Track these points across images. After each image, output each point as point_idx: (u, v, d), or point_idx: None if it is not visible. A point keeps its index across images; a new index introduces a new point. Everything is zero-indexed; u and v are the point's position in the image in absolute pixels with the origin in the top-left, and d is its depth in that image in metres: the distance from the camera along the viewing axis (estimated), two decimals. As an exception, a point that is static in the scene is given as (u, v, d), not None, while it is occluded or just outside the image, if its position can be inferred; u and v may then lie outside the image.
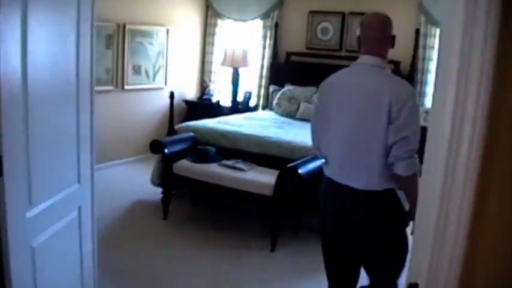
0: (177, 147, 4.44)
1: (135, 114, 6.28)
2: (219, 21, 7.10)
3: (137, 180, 5.41)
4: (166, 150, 4.35)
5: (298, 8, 6.61)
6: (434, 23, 5.62)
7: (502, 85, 1.08)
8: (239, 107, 6.57)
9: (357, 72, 2.28)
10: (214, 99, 6.93)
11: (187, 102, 6.97)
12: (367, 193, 2.19)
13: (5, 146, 1.64)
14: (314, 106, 2.48)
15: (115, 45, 5.76)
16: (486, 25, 1.00)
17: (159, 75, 6.52)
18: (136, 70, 6.15)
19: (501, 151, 1.12)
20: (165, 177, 4.50)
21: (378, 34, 2.24)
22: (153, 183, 4.80)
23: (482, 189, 1.12)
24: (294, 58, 6.63)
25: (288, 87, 6.29)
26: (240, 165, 4.22)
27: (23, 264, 1.83)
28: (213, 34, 7.15)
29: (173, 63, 6.71)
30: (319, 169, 3.87)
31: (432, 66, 5.71)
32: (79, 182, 2.28)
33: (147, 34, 6.20)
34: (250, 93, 6.77)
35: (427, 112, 4.89)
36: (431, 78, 5.72)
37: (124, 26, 5.81)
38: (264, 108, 6.72)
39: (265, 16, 6.71)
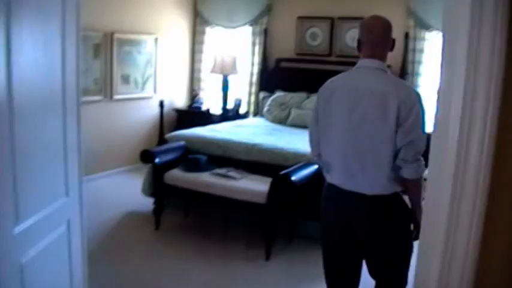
0: (167, 157, 4.39)
1: (125, 124, 6.21)
2: (208, 28, 7.07)
3: (128, 191, 5.34)
4: (157, 160, 4.30)
5: (286, 13, 6.60)
6: (423, 26, 5.66)
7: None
8: (229, 115, 6.53)
9: (361, 75, 2.24)
10: (204, 107, 6.89)
11: (177, 110, 6.92)
12: (375, 198, 2.16)
13: (-11, 160, 1.59)
14: (313, 112, 2.42)
15: (103, 55, 5.71)
16: (494, 26, 0.97)
17: (148, 84, 6.47)
18: (125, 79, 6.09)
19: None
20: (157, 187, 4.45)
21: (380, 37, 2.22)
22: (144, 193, 4.75)
23: (492, 190, 1.10)
24: (283, 64, 6.61)
25: (278, 94, 6.27)
26: (232, 173, 4.17)
27: (11, 281, 1.78)
28: (202, 42, 7.13)
29: (162, 72, 6.66)
30: (312, 176, 3.89)
31: (422, 69, 5.76)
32: (67, 195, 2.23)
33: (135, 43, 6.15)
34: (240, 101, 6.73)
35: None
36: (421, 81, 5.75)
37: (112, 35, 5.76)
38: (254, 115, 6.69)
39: (254, 22, 6.70)
